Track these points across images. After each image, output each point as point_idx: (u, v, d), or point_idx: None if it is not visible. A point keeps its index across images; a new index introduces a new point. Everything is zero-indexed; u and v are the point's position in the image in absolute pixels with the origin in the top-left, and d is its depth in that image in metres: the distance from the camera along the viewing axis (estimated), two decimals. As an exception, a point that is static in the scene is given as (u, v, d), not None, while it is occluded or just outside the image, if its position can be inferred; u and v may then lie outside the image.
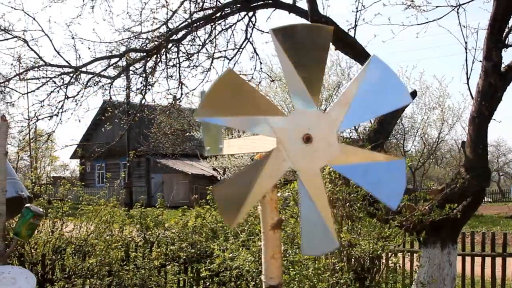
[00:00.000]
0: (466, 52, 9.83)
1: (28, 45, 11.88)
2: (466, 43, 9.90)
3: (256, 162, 3.09)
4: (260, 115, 2.98)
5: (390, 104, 3.21)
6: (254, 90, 3.03)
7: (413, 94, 10.60)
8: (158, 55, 12.25)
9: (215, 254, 9.05)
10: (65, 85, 11.97)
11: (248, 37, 12.50)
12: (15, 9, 11.96)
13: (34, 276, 5.92)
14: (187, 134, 30.26)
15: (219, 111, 2.93)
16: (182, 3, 12.05)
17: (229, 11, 11.83)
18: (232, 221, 3.05)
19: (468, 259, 12.01)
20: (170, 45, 12.15)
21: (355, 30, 10.49)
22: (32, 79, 12.13)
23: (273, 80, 24.78)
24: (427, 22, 11.10)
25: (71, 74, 11.97)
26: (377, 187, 3.08)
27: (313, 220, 2.96)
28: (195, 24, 11.87)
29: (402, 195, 3.13)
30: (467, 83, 9.70)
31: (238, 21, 12.32)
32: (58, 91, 11.98)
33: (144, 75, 12.50)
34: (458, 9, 10.47)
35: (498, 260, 11.70)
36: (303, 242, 2.95)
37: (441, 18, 11.01)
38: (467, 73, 9.69)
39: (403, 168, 3.17)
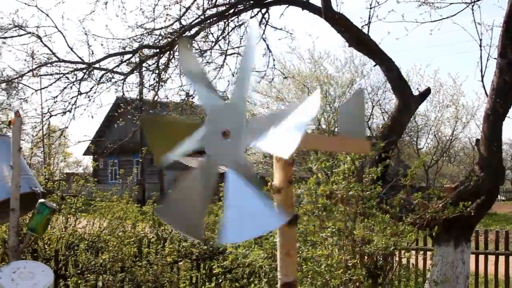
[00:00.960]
0: (481, 50, 9.78)
1: (41, 41, 11.93)
2: (480, 40, 9.85)
3: (190, 176, 3.15)
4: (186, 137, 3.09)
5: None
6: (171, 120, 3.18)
7: (427, 92, 10.54)
8: (171, 52, 12.26)
9: (227, 251, 9.05)
10: (78, 81, 12.01)
11: (261, 34, 12.48)
12: (28, 5, 12.00)
13: (50, 268, 5.94)
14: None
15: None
16: (195, -1, 12.06)
17: (242, 7, 11.81)
18: (196, 233, 3.16)
19: (481, 257, 11.96)
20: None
21: (368, 27, 10.46)
22: (45, 75, 12.18)
23: (286, 77, 24.77)
24: (441, 19, 11.06)
25: (84, 70, 12.00)
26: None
27: (245, 202, 2.94)
28: (208, 21, 11.86)
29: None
30: (482, 81, 9.65)
31: (251, 17, 12.30)
32: (71, 87, 12.02)
33: (157, 71, 12.51)
34: (472, 6, 10.42)
35: (512, 259, 11.66)
36: (229, 229, 2.92)
37: (455, 15, 10.95)
38: (481, 71, 9.64)
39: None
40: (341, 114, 3.62)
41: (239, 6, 11.76)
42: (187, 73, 3.22)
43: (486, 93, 9.24)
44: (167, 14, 12.20)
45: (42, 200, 6.16)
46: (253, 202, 2.86)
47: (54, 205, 6.44)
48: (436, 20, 11.02)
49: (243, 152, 3.03)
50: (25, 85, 13.62)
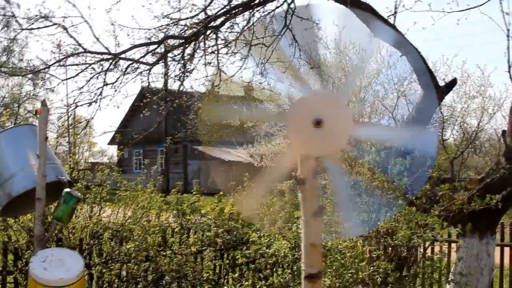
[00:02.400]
0: (508, 40, 9.68)
1: (67, 32, 11.98)
2: (508, 30, 9.75)
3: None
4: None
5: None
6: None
7: (453, 82, 10.48)
8: (197, 42, 12.26)
9: (250, 240, 9.06)
10: (104, 72, 12.06)
11: (287, 23, 12.44)
12: (55, -4, 12.07)
13: (77, 253, 5.98)
14: (224, 121, 30.31)
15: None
16: (221, -11, 12.05)
17: (268, -3, 11.79)
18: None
19: (507, 249, 11.86)
20: (208, 32, 12.15)
21: (395, 17, 10.40)
22: (71, 65, 12.24)
23: (312, 67, 24.68)
24: (468, 9, 10.94)
25: (110, 61, 12.04)
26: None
27: (350, 201, 2.94)
28: (234, 11, 11.85)
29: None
30: (509, 71, 9.55)
31: (277, 7, 12.27)
32: (97, 77, 12.07)
33: (182, 61, 12.52)
34: (500, -4, 10.30)
35: (537, 251, 11.56)
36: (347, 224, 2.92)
37: (482, 4, 10.83)
38: (508, 61, 9.54)
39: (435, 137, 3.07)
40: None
41: (265, -4, 11.74)
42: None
43: (513, 84, 9.17)
44: (193, 4, 12.21)
45: (68, 189, 6.20)
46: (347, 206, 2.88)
47: (79, 193, 6.48)
48: (463, 10, 10.91)
49: (338, 149, 3.00)
50: (51, 75, 13.71)
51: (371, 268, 6.79)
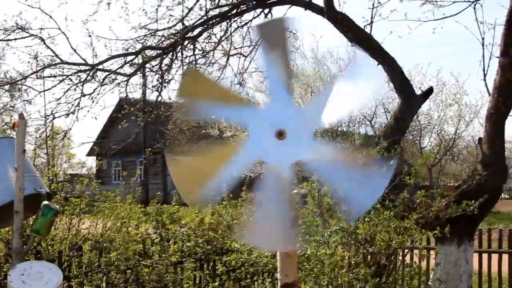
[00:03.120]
0: (483, 48, 9.78)
1: (44, 43, 11.98)
2: (483, 39, 9.86)
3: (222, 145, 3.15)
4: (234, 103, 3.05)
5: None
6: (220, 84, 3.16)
7: (430, 91, 10.56)
8: (174, 53, 12.28)
9: (230, 250, 9.07)
10: (82, 83, 12.05)
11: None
12: (32, 7, 12.06)
13: (56, 266, 5.96)
14: (203, 131, 30.31)
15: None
16: (198, 0, 12.08)
17: (245, 8, 11.83)
18: (191, 199, 3.15)
19: (485, 256, 11.95)
20: (186, 42, 12.18)
21: (371, 26, 10.48)
22: (48, 77, 12.23)
23: (290, 77, 24.75)
24: (444, 18, 11.05)
25: (88, 72, 12.04)
26: (352, 191, 3.01)
27: (274, 214, 2.94)
28: (211, 21, 11.89)
29: (372, 203, 3.09)
30: (484, 80, 9.66)
31: (254, 18, 12.33)
32: (74, 88, 12.07)
33: (160, 72, 12.54)
34: (474, 5, 10.42)
35: (515, 257, 11.64)
36: (258, 233, 2.92)
37: (458, 13, 10.95)
38: (484, 69, 9.65)
39: (386, 180, 3.09)
40: None
41: (242, 6, 11.79)
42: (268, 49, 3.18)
43: (488, 92, 9.25)
44: (170, 15, 12.25)
45: (46, 202, 6.18)
46: (279, 219, 2.87)
47: (57, 206, 6.45)
48: (439, 19, 11.03)
49: (293, 162, 3.02)
50: (28, 87, 13.68)
51: (351, 275, 6.82)
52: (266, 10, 12.11)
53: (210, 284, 9.67)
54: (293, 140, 2.98)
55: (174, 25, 12.28)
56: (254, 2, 11.70)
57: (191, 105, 3.19)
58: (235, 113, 3.09)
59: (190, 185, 3.17)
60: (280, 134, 2.98)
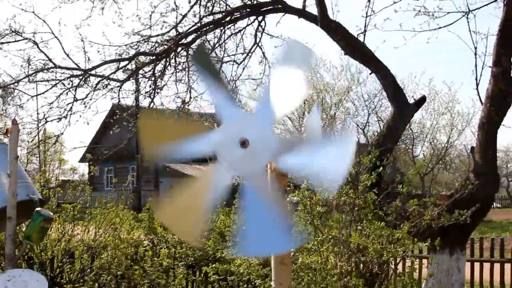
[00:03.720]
0: (476, 58, 9.82)
1: (38, 47, 11.97)
2: (476, 48, 9.89)
3: (198, 178, 3.16)
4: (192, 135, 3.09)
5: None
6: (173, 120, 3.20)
7: (422, 99, 10.58)
8: (167, 59, 12.28)
9: (222, 257, 9.05)
10: (74, 88, 12.04)
11: (257, 41, 12.52)
12: (25, 11, 12.06)
13: (45, 278, 5.94)
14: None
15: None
16: (191, 7, 12.09)
17: (238, 15, 11.84)
18: (192, 237, 3.15)
19: (477, 265, 11.98)
20: (179, 49, 12.18)
21: (364, 35, 10.50)
22: (41, 81, 12.22)
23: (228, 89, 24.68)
24: (438, 28, 11.07)
25: (80, 77, 12.03)
26: (323, 173, 3.02)
27: (260, 220, 2.94)
28: (205, 28, 11.89)
29: (345, 174, 3.10)
30: (477, 89, 9.70)
31: (248, 25, 12.35)
32: (67, 93, 12.06)
33: (153, 78, 12.53)
34: (468, 15, 10.45)
35: (507, 266, 11.67)
36: (246, 242, 2.93)
37: (451, 24, 10.97)
38: (476, 79, 9.68)
39: (350, 146, 3.08)
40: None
41: (235, 14, 11.80)
42: (203, 74, 3.22)
43: (481, 101, 9.29)
44: (164, 22, 12.25)
45: (38, 208, 6.17)
46: (270, 221, 2.87)
47: (51, 213, 6.43)
48: (433, 29, 11.05)
49: (266, 165, 3.04)
50: (21, 91, 13.67)
51: (342, 283, 6.82)
52: (260, 18, 12.14)
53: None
54: (257, 144, 3.00)
55: (168, 32, 12.29)
56: (248, 10, 11.72)
57: (154, 152, 3.25)
58: (199, 144, 3.13)
59: (184, 226, 3.21)
60: (243, 143, 2.99)
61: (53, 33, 12.10)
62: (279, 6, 11.28)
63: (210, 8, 12.07)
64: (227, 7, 12.07)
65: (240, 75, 12.88)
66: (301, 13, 10.94)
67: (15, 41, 12.32)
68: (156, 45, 12.36)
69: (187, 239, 3.06)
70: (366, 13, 10.69)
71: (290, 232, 2.93)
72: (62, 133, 12.67)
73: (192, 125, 3.23)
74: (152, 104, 12.84)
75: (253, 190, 2.96)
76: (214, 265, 8.88)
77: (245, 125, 3.04)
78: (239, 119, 3.08)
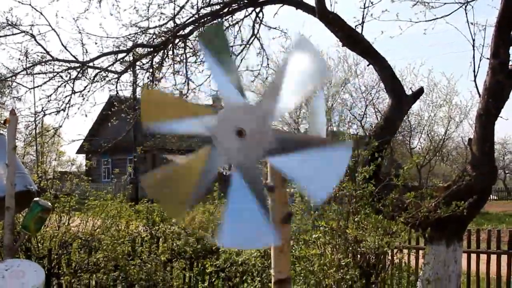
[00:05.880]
0: (474, 50, 9.81)
1: (35, 40, 11.94)
2: (473, 40, 9.88)
3: (189, 159, 3.16)
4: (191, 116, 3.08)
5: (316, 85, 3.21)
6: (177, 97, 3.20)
7: (420, 91, 10.58)
8: (165, 51, 12.28)
9: (221, 249, 9.07)
10: (72, 80, 12.03)
11: (255, 33, 12.52)
12: (22, 3, 12.01)
13: (43, 269, 5.95)
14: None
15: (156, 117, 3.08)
16: (189, -2, 12.08)
17: (236, 7, 11.83)
18: (179, 215, 3.16)
19: (473, 256, 11.99)
20: (177, 40, 12.17)
21: (362, 26, 10.49)
22: (39, 73, 12.19)
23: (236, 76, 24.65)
24: (435, 19, 11.07)
25: (78, 69, 12.02)
26: (310, 180, 3.01)
27: (246, 212, 2.94)
28: (202, 20, 11.87)
29: (333, 187, 3.11)
30: (475, 81, 9.68)
31: (245, 17, 12.34)
32: (65, 85, 12.05)
33: (151, 70, 12.52)
34: (466, 6, 10.45)
35: (504, 258, 11.68)
36: (228, 233, 2.93)
37: (449, 15, 10.97)
38: (474, 71, 9.67)
39: (346, 157, 3.08)
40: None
41: (233, 5, 11.78)
42: (212, 54, 3.20)
43: (479, 93, 9.28)
44: (161, 13, 12.23)
45: (36, 198, 6.17)
46: (252, 214, 2.87)
47: (49, 203, 6.44)
48: (430, 20, 11.05)
49: (257, 159, 3.04)
50: (18, 83, 13.65)
51: (339, 275, 6.84)
52: (258, 9, 12.13)
53: (200, 284, 9.68)
54: (254, 137, 3.00)
55: (165, 23, 12.28)
56: (246, 1, 11.71)
57: (155, 127, 3.25)
58: (197, 124, 3.13)
59: (174, 207, 3.22)
60: (240, 134, 3.00)
61: (50, 26, 12.08)
62: (277, -3, 11.29)
63: (208, -1, 12.07)
64: (225, -2, 12.06)
65: (238, 66, 12.86)
66: (299, 4, 10.91)
67: (13, 34, 12.29)
68: (154, 36, 12.35)
69: (174, 216, 3.05)
70: (364, 4, 10.69)
71: (270, 226, 2.93)
72: (61, 126, 12.68)
73: (194, 105, 3.20)
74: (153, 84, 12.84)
75: (240, 181, 2.96)
76: (213, 257, 8.92)
77: (245, 116, 3.03)
78: (241, 109, 3.07)
